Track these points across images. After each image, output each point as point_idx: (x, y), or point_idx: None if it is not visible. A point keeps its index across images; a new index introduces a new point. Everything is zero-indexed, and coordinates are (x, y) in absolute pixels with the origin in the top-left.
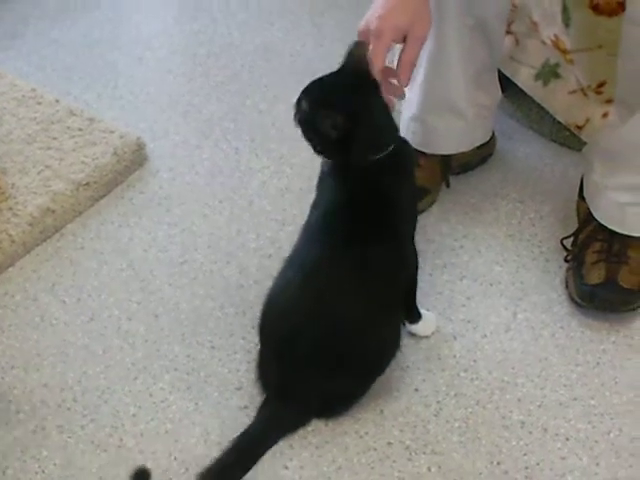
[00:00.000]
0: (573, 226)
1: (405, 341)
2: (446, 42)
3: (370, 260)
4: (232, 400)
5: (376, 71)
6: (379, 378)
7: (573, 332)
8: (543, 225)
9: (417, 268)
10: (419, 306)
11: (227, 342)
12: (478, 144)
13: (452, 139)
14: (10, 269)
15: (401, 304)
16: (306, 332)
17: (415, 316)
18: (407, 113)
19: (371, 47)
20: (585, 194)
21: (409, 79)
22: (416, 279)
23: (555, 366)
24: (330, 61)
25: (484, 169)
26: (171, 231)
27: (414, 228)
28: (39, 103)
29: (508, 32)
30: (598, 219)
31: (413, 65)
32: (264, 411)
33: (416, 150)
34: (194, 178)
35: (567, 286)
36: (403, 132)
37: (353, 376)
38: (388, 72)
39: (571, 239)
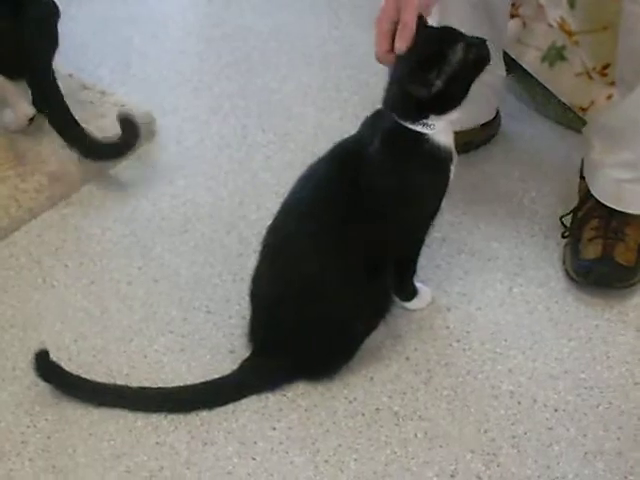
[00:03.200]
0: (574, 205)
1: (398, 311)
2: (449, 20)
3: (352, 230)
4: (224, 363)
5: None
6: (370, 345)
7: (568, 307)
8: (544, 203)
9: (417, 257)
10: (415, 280)
11: (223, 307)
12: (481, 122)
13: None
14: (16, 233)
15: (389, 275)
16: (286, 295)
17: (410, 294)
18: None
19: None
20: (584, 172)
21: (405, 43)
22: (415, 264)
23: (548, 340)
24: (344, 43)
25: (487, 148)
26: (175, 202)
27: (424, 222)
28: None
29: (515, 15)
30: (596, 196)
31: (409, 29)
32: (246, 363)
33: None
34: (201, 151)
35: (564, 262)
36: None
37: (333, 339)
38: None
39: (570, 217)
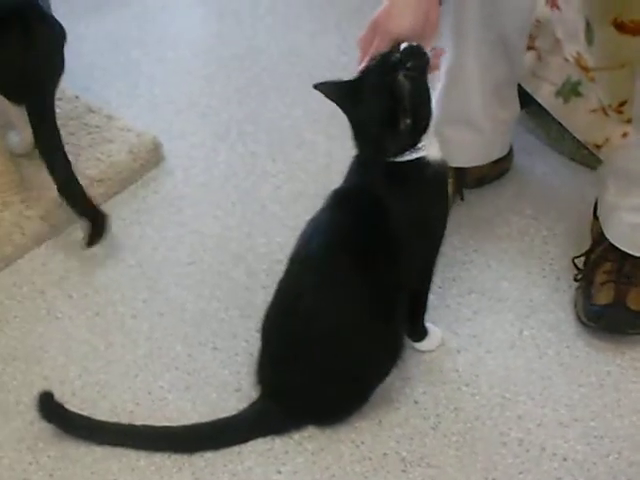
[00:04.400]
0: (587, 245)
1: (408, 352)
2: (466, 56)
3: (364, 276)
4: (230, 402)
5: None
6: (379, 388)
7: (579, 352)
8: (556, 243)
9: (428, 289)
10: (426, 320)
11: (229, 344)
12: (494, 158)
13: (467, 152)
14: (19, 261)
15: (401, 316)
16: (301, 340)
17: (421, 334)
18: None
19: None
20: (598, 213)
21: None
22: (426, 299)
23: (558, 385)
24: (352, 68)
25: (500, 184)
26: (181, 231)
27: (435, 247)
28: (59, 99)
29: (531, 48)
30: (610, 239)
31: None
32: (254, 406)
33: None
34: (208, 179)
35: (576, 305)
36: None
37: (346, 387)
38: None
39: (583, 258)
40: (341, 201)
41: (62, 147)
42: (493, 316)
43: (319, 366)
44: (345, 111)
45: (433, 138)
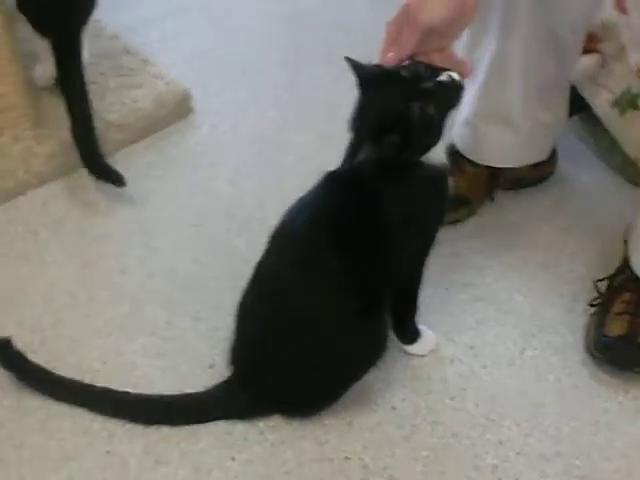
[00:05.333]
0: (614, 269)
1: (396, 353)
2: (511, 50)
3: (347, 263)
4: (200, 377)
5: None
6: (356, 386)
7: (580, 382)
8: (582, 261)
9: (417, 289)
10: (421, 323)
11: (213, 316)
12: (531, 162)
13: (502, 152)
14: (21, 197)
15: (385, 314)
16: (274, 323)
17: (411, 337)
18: (461, 115)
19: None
20: (625, 237)
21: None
22: (415, 299)
23: (549, 414)
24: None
25: (538, 189)
26: (192, 190)
27: (423, 247)
28: (98, 35)
29: (594, 50)
30: (633, 268)
31: (403, 50)
32: (221, 386)
33: (462, 156)
34: (232, 140)
35: (587, 332)
36: (453, 134)
37: (317, 380)
38: None
39: (606, 282)
40: (332, 183)
41: (84, 86)
42: (497, 329)
43: (290, 354)
44: (358, 93)
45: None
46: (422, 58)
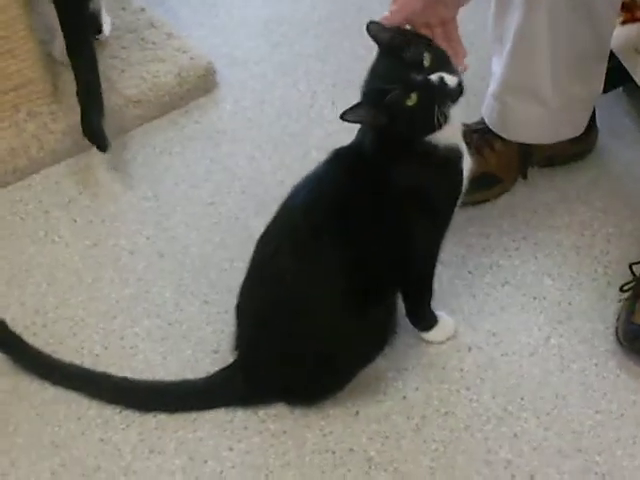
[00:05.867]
0: None
1: (412, 340)
2: (537, 17)
3: (352, 243)
4: (203, 362)
5: None
6: (366, 373)
7: (607, 373)
8: (619, 244)
9: (431, 274)
10: (440, 308)
11: (222, 299)
12: (564, 139)
13: (532, 127)
14: (34, 176)
15: (393, 298)
16: (275, 306)
17: (426, 323)
18: (490, 88)
19: None
20: None
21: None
22: (429, 284)
23: (571, 407)
24: None
25: (575, 167)
26: (211, 167)
27: (435, 230)
28: (123, 8)
29: (637, 19)
30: None
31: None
32: (223, 372)
33: (492, 132)
34: (257, 116)
35: (617, 319)
36: (483, 109)
37: (320, 367)
38: None
39: None
40: (337, 160)
41: (90, 49)
42: (522, 315)
43: (292, 339)
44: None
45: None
46: (424, 30)
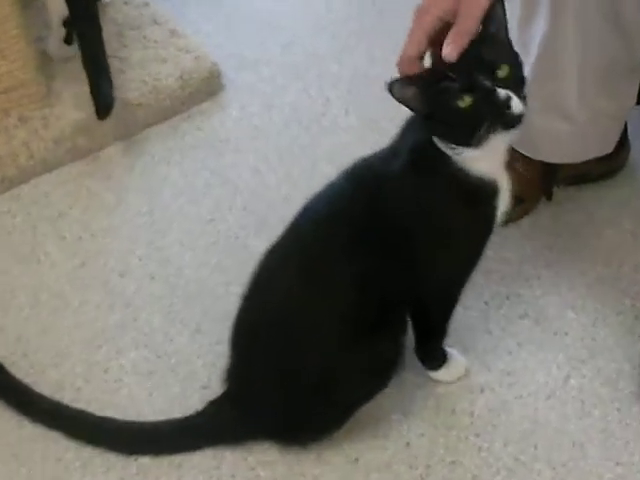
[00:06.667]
0: None
1: (419, 379)
2: (563, 28)
3: (358, 273)
4: (192, 399)
5: (402, 59)
6: (369, 415)
7: (631, 420)
8: None
9: (448, 315)
10: (451, 344)
11: (215, 328)
12: (591, 157)
13: (556, 146)
14: (23, 186)
15: (401, 331)
16: (268, 333)
17: (435, 362)
18: None
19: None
20: None
21: (457, 50)
22: (442, 323)
23: (590, 458)
24: None
25: (604, 186)
26: (212, 180)
27: (457, 269)
28: (126, 3)
29: None
30: None
31: (468, 33)
32: (212, 407)
33: (513, 149)
34: (265, 123)
35: None
36: None
37: (314, 404)
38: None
39: None
40: (352, 174)
41: (95, 17)
42: (540, 353)
43: (285, 370)
44: None
45: (492, 154)
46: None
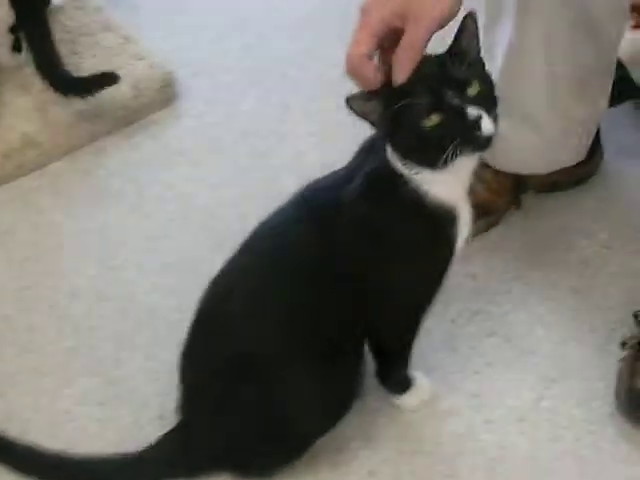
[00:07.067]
0: None
1: (381, 406)
2: (530, 30)
3: (307, 300)
4: (145, 430)
5: (351, 57)
6: (331, 442)
7: (604, 442)
8: (624, 285)
9: (407, 345)
10: (416, 366)
11: (169, 355)
12: (561, 167)
13: (525, 157)
14: None
15: (358, 356)
16: (217, 368)
17: (399, 386)
18: None
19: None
20: None
21: (406, 69)
22: (404, 351)
23: None
24: None
25: (577, 192)
26: (166, 194)
27: (418, 294)
28: (79, 8)
29: None
30: None
31: (416, 48)
32: (163, 439)
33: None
34: (222, 133)
35: (619, 379)
36: None
37: (268, 435)
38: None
39: None
40: (305, 195)
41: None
42: (510, 373)
43: (237, 400)
44: None
45: (453, 179)
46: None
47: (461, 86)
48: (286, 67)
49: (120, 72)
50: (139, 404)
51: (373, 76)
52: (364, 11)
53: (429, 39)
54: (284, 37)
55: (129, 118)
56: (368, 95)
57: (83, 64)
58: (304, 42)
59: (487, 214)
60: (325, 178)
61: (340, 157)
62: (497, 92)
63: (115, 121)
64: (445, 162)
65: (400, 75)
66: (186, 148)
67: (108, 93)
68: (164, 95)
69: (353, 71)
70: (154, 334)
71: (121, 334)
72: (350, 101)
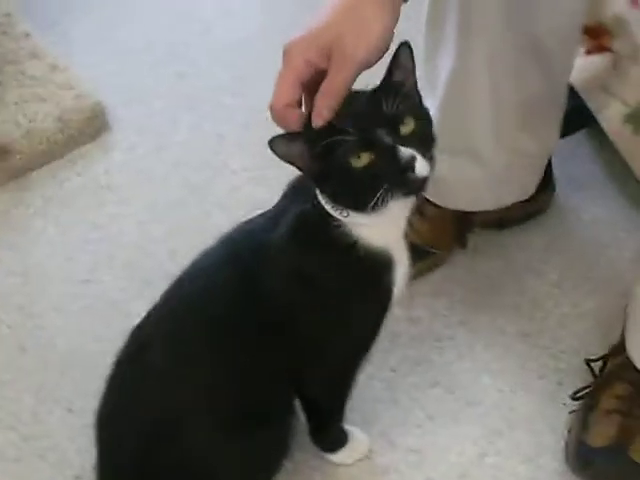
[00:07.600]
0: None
1: (314, 462)
2: (473, 56)
3: (228, 359)
4: None
5: (276, 107)
6: None
7: None
8: (575, 329)
9: (340, 402)
10: (351, 420)
11: (89, 406)
12: (508, 203)
13: (469, 193)
14: None
15: (288, 413)
16: (135, 433)
17: (332, 444)
18: None
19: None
20: (626, 310)
21: (324, 116)
22: (336, 409)
23: None
24: None
25: (526, 228)
26: (91, 234)
27: (352, 346)
28: (4, 33)
29: (605, 49)
30: (632, 358)
31: (336, 94)
32: None
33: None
34: (152, 166)
35: (569, 432)
36: None
37: None
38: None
39: (600, 363)
40: (233, 242)
41: None
42: (453, 426)
43: (154, 465)
44: None
45: (386, 223)
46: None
47: (393, 123)
48: (220, 95)
49: (46, 103)
50: (57, 461)
51: (298, 126)
52: (287, 53)
53: (353, 81)
54: (220, 62)
55: (54, 153)
56: (291, 136)
57: (6, 95)
58: (240, 68)
59: (429, 254)
60: (255, 218)
61: (276, 193)
62: (436, 128)
63: (39, 156)
64: (376, 206)
65: (318, 122)
66: (115, 184)
67: (32, 125)
68: (92, 127)
69: (278, 122)
70: (75, 385)
71: (41, 385)
72: (273, 144)
